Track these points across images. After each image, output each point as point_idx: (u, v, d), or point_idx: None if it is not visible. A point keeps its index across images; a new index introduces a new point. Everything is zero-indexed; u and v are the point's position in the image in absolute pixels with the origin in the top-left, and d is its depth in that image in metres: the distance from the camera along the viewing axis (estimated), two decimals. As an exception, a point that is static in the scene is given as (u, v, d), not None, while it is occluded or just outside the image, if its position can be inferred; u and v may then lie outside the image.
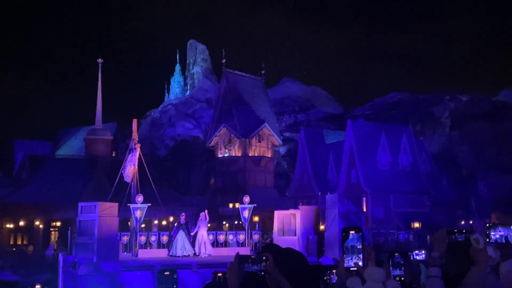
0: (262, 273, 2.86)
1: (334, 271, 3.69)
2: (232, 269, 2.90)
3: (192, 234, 24.45)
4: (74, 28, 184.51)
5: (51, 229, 46.11)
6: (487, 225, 3.61)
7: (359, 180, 47.22)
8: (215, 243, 26.07)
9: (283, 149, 78.45)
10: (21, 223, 44.32)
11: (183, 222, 24.32)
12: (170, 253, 23.78)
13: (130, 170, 25.58)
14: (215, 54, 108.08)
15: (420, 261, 4.34)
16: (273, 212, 27.66)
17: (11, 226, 45.07)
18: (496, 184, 59.10)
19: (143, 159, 26.52)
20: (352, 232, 3.22)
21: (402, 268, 3.38)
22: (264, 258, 2.86)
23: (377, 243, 31.91)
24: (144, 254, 23.61)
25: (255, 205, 27.29)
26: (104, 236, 21.20)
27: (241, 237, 26.70)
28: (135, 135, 26.77)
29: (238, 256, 2.92)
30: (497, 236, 3.55)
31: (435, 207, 48.60)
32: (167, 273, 15.75)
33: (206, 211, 25.68)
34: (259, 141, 54.53)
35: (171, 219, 37.53)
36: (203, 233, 24.56)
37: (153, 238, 25.21)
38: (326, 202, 26.67)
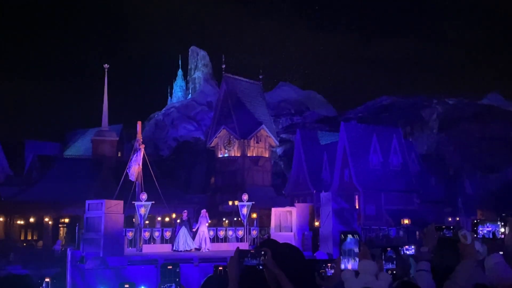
0: (261, 266, 2.86)
1: (329, 264, 3.69)
2: (232, 262, 2.90)
3: (193, 230, 24.48)
4: (83, 35, 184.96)
5: (60, 225, 45.97)
6: (475, 221, 3.60)
7: (351, 179, 47.23)
8: (216, 239, 26.07)
9: (280, 149, 78.45)
10: (31, 219, 44.26)
11: (185, 219, 24.32)
12: (174, 248, 23.81)
13: (134, 169, 25.61)
14: (215, 60, 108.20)
15: (410, 255, 4.35)
16: (270, 209, 27.62)
17: (22, 222, 45.00)
18: (481, 183, 59.17)
19: (147, 159, 26.56)
20: (350, 236, 3.23)
21: (394, 262, 3.38)
22: (262, 252, 2.86)
23: (368, 239, 31.91)
24: (148, 249, 23.59)
25: (253, 202, 27.24)
26: (110, 232, 21.15)
27: (240, 233, 26.69)
28: (139, 136, 26.78)
29: (238, 250, 2.92)
30: (485, 231, 3.55)
31: (423, 205, 48.64)
32: (170, 267, 15.69)
33: (205, 211, 25.66)
34: (257, 142, 54.47)
35: (174, 215, 37.48)
36: (204, 229, 24.59)
37: (156, 233, 25.19)
38: (321, 199, 26.61)
